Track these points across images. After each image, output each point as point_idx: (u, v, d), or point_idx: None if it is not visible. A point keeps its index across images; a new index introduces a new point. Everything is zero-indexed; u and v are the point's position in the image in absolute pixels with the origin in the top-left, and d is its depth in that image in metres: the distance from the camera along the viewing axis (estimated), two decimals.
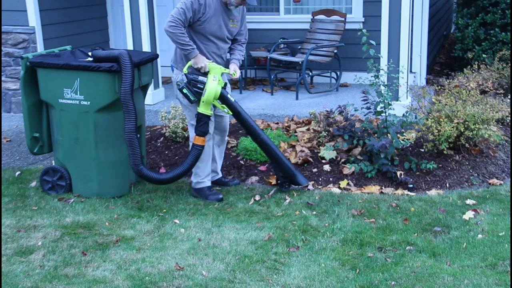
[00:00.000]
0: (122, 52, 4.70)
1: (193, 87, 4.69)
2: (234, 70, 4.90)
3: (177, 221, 4.58)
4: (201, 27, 4.74)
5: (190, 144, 4.93)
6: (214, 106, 4.85)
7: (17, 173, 5.66)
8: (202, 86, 4.68)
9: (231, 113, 4.85)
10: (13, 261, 4.00)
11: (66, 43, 7.18)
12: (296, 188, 5.18)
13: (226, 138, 5.29)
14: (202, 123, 4.73)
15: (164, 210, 4.79)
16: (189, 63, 4.75)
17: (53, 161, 5.40)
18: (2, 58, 7.67)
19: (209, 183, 5.07)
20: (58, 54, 5.12)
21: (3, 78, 7.76)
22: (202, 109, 4.71)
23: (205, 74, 4.74)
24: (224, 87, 4.79)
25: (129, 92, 4.61)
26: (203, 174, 5.01)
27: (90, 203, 4.90)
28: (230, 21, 4.87)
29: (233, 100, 4.82)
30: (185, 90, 4.69)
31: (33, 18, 7.49)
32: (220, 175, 5.33)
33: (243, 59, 5.15)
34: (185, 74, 4.74)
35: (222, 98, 4.76)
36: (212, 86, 4.67)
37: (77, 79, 4.80)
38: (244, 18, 5.04)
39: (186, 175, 5.10)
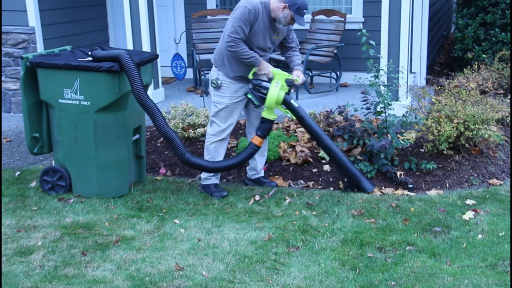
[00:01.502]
0: (122, 52, 4.70)
1: (257, 92, 4.80)
2: (297, 76, 4.94)
3: (177, 221, 4.58)
4: (247, 38, 4.76)
5: (206, 138, 5.04)
6: (249, 103, 4.95)
7: (17, 173, 5.66)
8: (265, 92, 4.77)
9: (294, 118, 4.93)
10: (13, 261, 3.99)
11: (66, 43, 7.17)
12: (296, 188, 5.18)
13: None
14: (265, 125, 4.84)
15: (164, 210, 4.79)
16: (253, 70, 4.82)
17: (53, 161, 5.40)
18: (2, 58, 7.67)
19: (216, 181, 5.13)
20: (58, 54, 5.11)
21: (3, 78, 7.76)
22: (266, 113, 4.82)
23: (269, 80, 4.84)
24: (288, 93, 4.84)
25: (142, 91, 4.62)
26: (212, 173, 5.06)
27: (90, 203, 4.90)
28: (275, 33, 4.90)
29: (296, 105, 4.86)
30: (249, 95, 4.80)
31: (33, 18, 7.49)
32: (261, 174, 5.32)
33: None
34: (250, 79, 4.83)
35: (286, 103, 4.83)
36: (274, 92, 4.75)
37: (77, 79, 4.80)
38: (291, 28, 5.03)
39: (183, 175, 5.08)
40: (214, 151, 5.00)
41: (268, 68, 4.82)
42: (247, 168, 5.34)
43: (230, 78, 4.88)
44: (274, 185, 5.23)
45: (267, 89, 4.78)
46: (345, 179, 5.02)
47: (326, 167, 5.45)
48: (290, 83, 4.90)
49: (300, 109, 4.87)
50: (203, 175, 5.12)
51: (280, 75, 4.82)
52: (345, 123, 5.57)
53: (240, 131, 6.25)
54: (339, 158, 4.91)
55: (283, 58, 7.70)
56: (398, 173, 5.14)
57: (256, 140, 4.86)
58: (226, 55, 4.85)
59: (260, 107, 4.88)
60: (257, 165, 5.26)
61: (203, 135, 5.93)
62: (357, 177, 4.96)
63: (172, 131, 4.71)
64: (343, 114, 5.63)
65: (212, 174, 5.07)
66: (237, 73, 4.86)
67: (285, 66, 8.00)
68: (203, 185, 5.14)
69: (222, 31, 4.96)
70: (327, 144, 4.90)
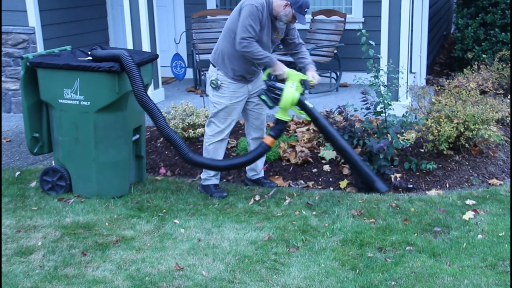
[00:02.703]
0: (122, 52, 4.70)
1: (271, 93, 4.75)
2: (313, 77, 4.87)
3: (177, 221, 4.58)
4: None
5: (204, 139, 5.01)
6: (248, 103, 4.94)
7: (17, 173, 5.66)
8: (279, 93, 4.72)
9: (309, 119, 4.88)
10: (13, 261, 3.99)
11: (66, 43, 7.17)
12: (296, 188, 5.18)
13: (264, 135, 5.22)
14: (279, 125, 4.80)
15: (164, 210, 4.79)
16: (267, 71, 4.79)
17: (53, 161, 5.40)
18: (2, 58, 7.67)
19: (216, 181, 5.12)
20: (58, 54, 5.11)
21: (3, 78, 7.76)
22: (280, 115, 4.78)
23: (283, 81, 4.77)
24: (302, 93, 4.79)
25: (142, 90, 4.62)
26: (212, 172, 5.04)
27: (90, 203, 4.90)
28: (275, 32, 4.89)
29: (311, 106, 4.81)
30: (263, 97, 4.75)
31: (33, 18, 7.49)
32: (261, 174, 5.30)
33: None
34: (264, 80, 4.80)
35: (300, 104, 4.78)
36: (289, 93, 4.70)
37: (77, 79, 4.80)
38: (293, 26, 4.98)
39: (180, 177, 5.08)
40: (213, 151, 4.99)
41: (283, 69, 4.75)
42: (246, 168, 5.34)
43: (230, 78, 4.85)
44: (274, 185, 5.22)
45: (281, 90, 4.71)
46: (360, 180, 5.01)
47: (326, 167, 5.45)
48: (303, 84, 4.82)
49: (315, 110, 4.83)
50: (203, 175, 5.11)
51: (294, 75, 4.75)
52: (345, 123, 5.56)
53: (240, 131, 6.25)
54: (353, 159, 4.87)
55: (283, 58, 7.77)
56: (392, 177, 5.11)
57: (268, 140, 4.80)
58: (227, 54, 4.81)
59: (273, 108, 4.81)
60: (257, 166, 5.25)
61: (203, 135, 5.93)
62: (371, 177, 4.93)
63: (173, 132, 4.70)
64: (343, 114, 5.62)
65: (212, 174, 5.06)
66: (237, 72, 4.83)
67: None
68: (203, 186, 5.13)
69: (222, 31, 4.95)
70: (342, 145, 4.85)
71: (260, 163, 5.26)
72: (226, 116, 4.92)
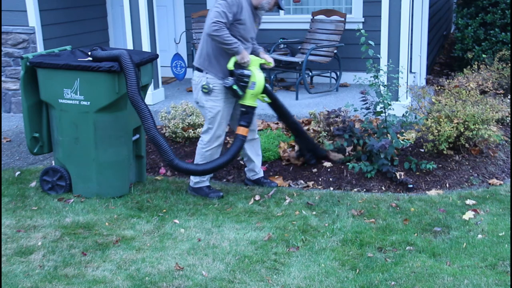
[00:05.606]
0: (122, 52, 4.70)
1: (240, 82, 4.73)
2: (266, 59, 4.95)
3: (177, 221, 4.58)
4: (236, 28, 4.73)
5: (200, 145, 4.95)
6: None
7: (17, 173, 5.66)
8: (247, 80, 4.74)
9: (270, 101, 5.02)
10: (13, 261, 4.00)
11: (66, 43, 7.17)
12: (296, 188, 5.18)
13: (257, 136, 5.24)
14: (248, 114, 4.83)
15: (164, 210, 4.79)
16: (234, 59, 4.74)
17: (53, 161, 5.40)
18: (2, 58, 7.67)
19: (207, 183, 5.08)
20: (58, 54, 5.11)
21: (3, 78, 7.76)
22: (250, 101, 4.81)
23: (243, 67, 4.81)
24: None
25: (136, 91, 4.60)
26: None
27: (90, 203, 4.90)
28: (256, 23, 4.92)
29: (270, 88, 5.00)
30: (234, 87, 4.72)
31: (33, 18, 7.49)
32: (260, 174, 5.27)
33: None
34: (231, 70, 4.76)
35: (264, 87, 4.88)
36: (261, 77, 4.77)
37: (77, 79, 4.80)
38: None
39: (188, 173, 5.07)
40: (210, 157, 4.93)
41: (248, 56, 4.77)
42: (245, 169, 5.32)
43: (220, 79, 4.80)
44: (275, 185, 5.21)
45: (249, 77, 4.73)
46: (305, 149, 5.44)
47: (326, 167, 5.44)
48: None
49: (273, 91, 5.08)
50: (195, 179, 5.03)
51: (256, 60, 4.84)
52: (342, 125, 5.56)
53: None
54: (302, 131, 5.39)
55: (283, 58, 7.78)
56: (398, 174, 5.14)
57: (243, 130, 4.80)
58: (213, 54, 4.78)
59: (242, 97, 4.78)
60: (255, 166, 5.23)
61: None
62: (314, 145, 5.47)
63: (160, 136, 4.60)
64: (340, 117, 5.62)
65: (206, 177, 5.01)
66: (226, 71, 4.79)
67: (285, 66, 8.04)
68: (195, 189, 5.06)
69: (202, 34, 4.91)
70: (294, 121, 5.32)
71: (258, 163, 5.24)
72: (222, 119, 4.87)
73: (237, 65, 4.77)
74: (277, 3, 4.80)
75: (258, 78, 4.76)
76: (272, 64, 5.01)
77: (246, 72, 4.75)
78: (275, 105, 5.13)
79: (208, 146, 4.92)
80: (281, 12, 8.47)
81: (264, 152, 5.58)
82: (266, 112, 6.80)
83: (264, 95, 4.93)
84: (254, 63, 4.82)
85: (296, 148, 5.59)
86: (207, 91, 4.79)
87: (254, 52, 5.02)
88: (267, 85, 4.91)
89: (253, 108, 4.85)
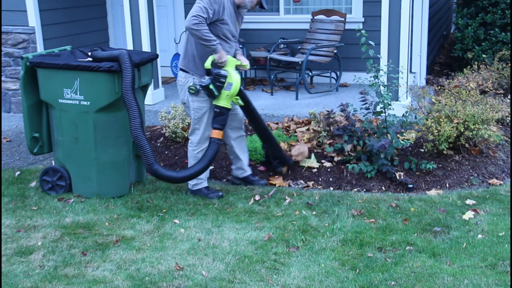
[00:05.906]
0: (122, 52, 4.70)
1: (216, 82, 4.70)
2: (243, 61, 4.94)
3: (177, 221, 4.58)
4: (219, 28, 4.73)
5: (191, 147, 4.95)
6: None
7: (17, 173, 5.66)
8: (224, 80, 4.70)
9: (243, 104, 4.95)
10: (13, 261, 4.00)
11: (66, 43, 7.17)
12: (296, 188, 5.18)
13: (244, 133, 5.23)
14: (222, 116, 4.77)
15: (164, 210, 4.79)
16: (212, 58, 4.72)
17: (53, 161, 5.40)
18: (2, 58, 7.67)
19: (206, 184, 5.08)
20: (58, 54, 5.12)
21: (3, 78, 7.76)
22: (225, 102, 4.75)
23: (220, 67, 4.78)
24: None
25: (130, 90, 4.60)
26: (204, 176, 5.00)
27: (90, 203, 4.90)
28: (238, 22, 4.92)
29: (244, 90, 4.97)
30: (211, 86, 4.68)
31: (33, 18, 7.49)
32: (249, 172, 5.27)
33: None
34: (208, 69, 4.72)
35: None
36: (238, 79, 4.74)
37: (77, 79, 4.80)
38: None
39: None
40: None
41: (226, 56, 4.74)
42: (232, 167, 5.30)
43: None
44: (263, 183, 5.22)
45: (225, 77, 4.70)
46: (272, 156, 5.40)
47: (326, 167, 5.44)
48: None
49: (246, 93, 5.05)
50: (192, 181, 5.02)
51: (232, 61, 4.81)
52: (345, 122, 5.56)
53: None
54: (272, 137, 5.30)
55: (283, 58, 7.78)
56: (397, 174, 5.14)
57: (218, 134, 4.76)
58: (198, 55, 4.78)
59: (217, 97, 4.74)
60: (243, 164, 5.22)
61: None
62: (282, 153, 5.40)
63: (144, 138, 4.57)
64: (345, 112, 5.60)
65: (203, 178, 5.01)
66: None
67: (285, 66, 8.04)
68: (194, 191, 5.06)
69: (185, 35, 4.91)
70: (265, 127, 5.24)
71: (245, 160, 5.24)
72: (209, 120, 4.86)
73: (214, 64, 4.74)
74: (260, 2, 4.80)
75: (234, 80, 4.72)
76: (248, 67, 4.99)
77: (222, 72, 4.71)
78: (248, 108, 5.05)
79: (199, 147, 4.92)
80: (281, 12, 8.48)
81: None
82: (266, 112, 6.80)
83: (238, 97, 4.88)
84: (230, 64, 4.78)
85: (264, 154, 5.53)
86: (194, 91, 4.77)
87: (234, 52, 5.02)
88: (241, 87, 4.87)
89: (228, 109, 4.78)
